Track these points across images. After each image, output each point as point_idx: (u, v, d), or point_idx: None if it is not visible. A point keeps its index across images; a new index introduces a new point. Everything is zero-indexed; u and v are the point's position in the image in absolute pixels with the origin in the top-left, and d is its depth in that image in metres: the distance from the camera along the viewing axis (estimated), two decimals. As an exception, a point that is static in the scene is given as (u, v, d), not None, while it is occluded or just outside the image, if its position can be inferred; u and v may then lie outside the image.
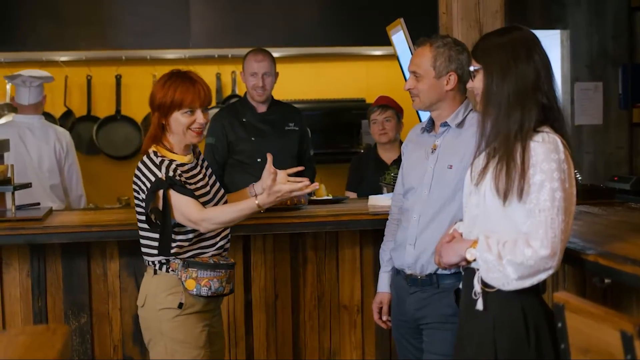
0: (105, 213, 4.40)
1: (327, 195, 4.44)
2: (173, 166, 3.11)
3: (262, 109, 4.85)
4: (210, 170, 3.36)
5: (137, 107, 6.92)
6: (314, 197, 4.35)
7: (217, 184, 3.34)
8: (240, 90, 6.94)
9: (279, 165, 4.78)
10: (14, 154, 4.96)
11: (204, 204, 3.16)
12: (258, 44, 6.48)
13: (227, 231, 3.28)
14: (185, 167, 3.19)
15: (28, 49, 6.25)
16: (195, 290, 3.10)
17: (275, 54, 6.70)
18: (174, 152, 3.18)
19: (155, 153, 3.14)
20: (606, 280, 2.69)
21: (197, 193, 3.15)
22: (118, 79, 6.86)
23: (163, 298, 3.13)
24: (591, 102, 6.35)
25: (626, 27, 6.34)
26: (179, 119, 3.13)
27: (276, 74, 4.85)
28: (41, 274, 3.92)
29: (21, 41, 6.11)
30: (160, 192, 3.05)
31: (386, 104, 5.14)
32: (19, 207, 4.09)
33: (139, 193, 3.13)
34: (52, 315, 3.93)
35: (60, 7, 6.13)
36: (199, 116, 3.15)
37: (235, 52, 6.71)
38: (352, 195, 5.21)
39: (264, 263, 4.07)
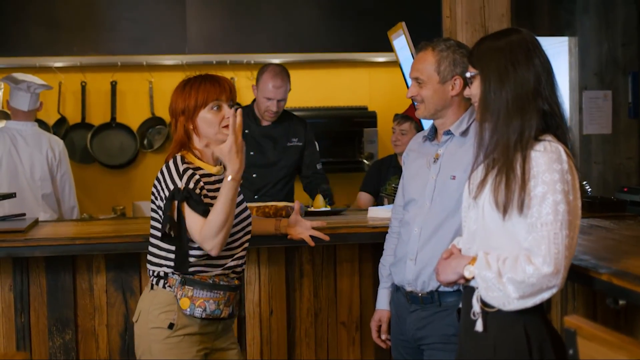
0: (93, 224, 4.27)
1: (326, 207, 4.28)
2: (196, 177, 2.90)
3: (266, 122, 4.77)
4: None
5: (133, 115, 6.86)
6: (312, 209, 4.20)
7: (244, 203, 3.11)
8: (240, 98, 6.78)
9: (272, 178, 4.70)
10: (5, 161, 4.92)
11: None
12: (257, 49, 6.37)
13: (242, 253, 3.04)
14: (212, 179, 2.98)
15: (21, 55, 6.14)
16: (188, 310, 2.90)
17: (275, 60, 6.63)
18: (202, 161, 2.99)
19: (182, 158, 2.94)
20: (620, 302, 2.53)
21: None
22: (113, 85, 6.76)
23: (155, 316, 2.94)
24: (600, 111, 6.25)
25: (636, 35, 6.28)
26: (206, 117, 2.95)
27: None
28: (24, 288, 3.77)
29: (14, 46, 6.02)
30: (176, 202, 2.85)
31: (408, 114, 5.03)
32: (3, 218, 3.97)
33: (156, 199, 2.93)
34: (35, 332, 3.78)
35: (55, 12, 6.05)
36: (227, 111, 2.96)
37: (234, 58, 6.63)
38: (365, 197, 5.21)
39: (258, 277, 3.93)
